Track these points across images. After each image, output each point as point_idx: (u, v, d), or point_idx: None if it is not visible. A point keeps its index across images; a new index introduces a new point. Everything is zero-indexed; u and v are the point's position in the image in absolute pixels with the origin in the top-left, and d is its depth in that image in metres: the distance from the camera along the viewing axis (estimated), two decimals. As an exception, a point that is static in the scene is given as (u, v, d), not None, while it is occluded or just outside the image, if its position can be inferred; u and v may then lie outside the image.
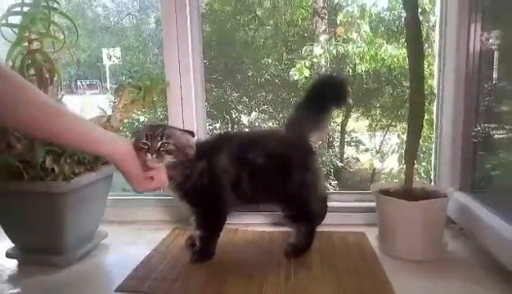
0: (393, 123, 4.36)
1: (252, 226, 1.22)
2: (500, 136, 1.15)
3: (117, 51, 4.32)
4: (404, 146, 1.08)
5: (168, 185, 0.96)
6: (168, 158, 0.91)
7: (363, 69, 3.71)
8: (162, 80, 1.29)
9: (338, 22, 3.62)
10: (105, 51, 4.20)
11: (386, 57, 3.59)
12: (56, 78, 1.09)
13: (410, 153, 1.02)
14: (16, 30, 1.06)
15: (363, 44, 3.60)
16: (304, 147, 1.03)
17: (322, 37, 3.94)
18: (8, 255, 1.05)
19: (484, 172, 1.20)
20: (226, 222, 1.03)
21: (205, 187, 0.96)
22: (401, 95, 3.97)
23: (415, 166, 1.03)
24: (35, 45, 1.07)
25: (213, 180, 0.96)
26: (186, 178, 0.96)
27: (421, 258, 0.97)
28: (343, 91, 1.07)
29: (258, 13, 4.52)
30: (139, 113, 1.28)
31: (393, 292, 0.84)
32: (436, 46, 1.24)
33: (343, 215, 1.22)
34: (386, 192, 1.04)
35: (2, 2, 1.11)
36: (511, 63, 1.10)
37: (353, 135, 4.94)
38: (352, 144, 4.94)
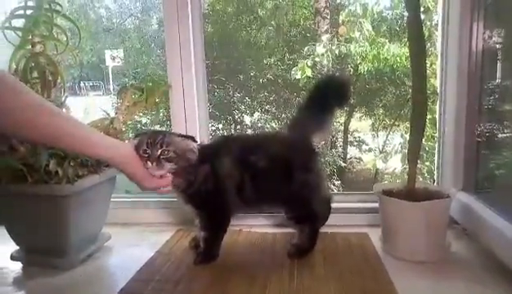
0: (396, 123, 4.33)
1: (255, 227, 1.22)
2: (504, 135, 1.14)
3: (120, 53, 4.33)
4: (407, 146, 1.08)
5: (172, 190, 0.96)
6: (169, 166, 0.91)
7: (366, 69, 3.70)
8: (164, 81, 1.30)
9: (340, 21, 3.61)
10: (108, 53, 4.21)
11: (389, 56, 3.58)
12: (59, 81, 1.10)
13: (413, 152, 1.02)
14: (19, 33, 1.07)
15: (366, 43, 3.59)
16: (307, 148, 1.03)
17: (324, 37, 3.92)
18: (13, 257, 1.05)
19: (488, 172, 1.19)
20: (230, 224, 1.03)
21: (209, 192, 0.96)
22: (405, 94, 3.95)
23: (419, 165, 1.02)
24: (38, 48, 1.07)
25: (217, 185, 0.96)
26: (190, 183, 0.96)
27: (424, 259, 0.97)
28: (346, 92, 1.07)
29: (260, 13, 4.51)
30: (142, 114, 1.28)
31: (396, 293, 0.84)
32: (438, 44, 1.23)
33: (346, 216, 1.22)
34: (389, 192, 1.04)
35: (5, 5, 1.12)
36: (514, 61, 1.10)
37: (356, 134, 4.91)
38: (355, 143, 4.92)
